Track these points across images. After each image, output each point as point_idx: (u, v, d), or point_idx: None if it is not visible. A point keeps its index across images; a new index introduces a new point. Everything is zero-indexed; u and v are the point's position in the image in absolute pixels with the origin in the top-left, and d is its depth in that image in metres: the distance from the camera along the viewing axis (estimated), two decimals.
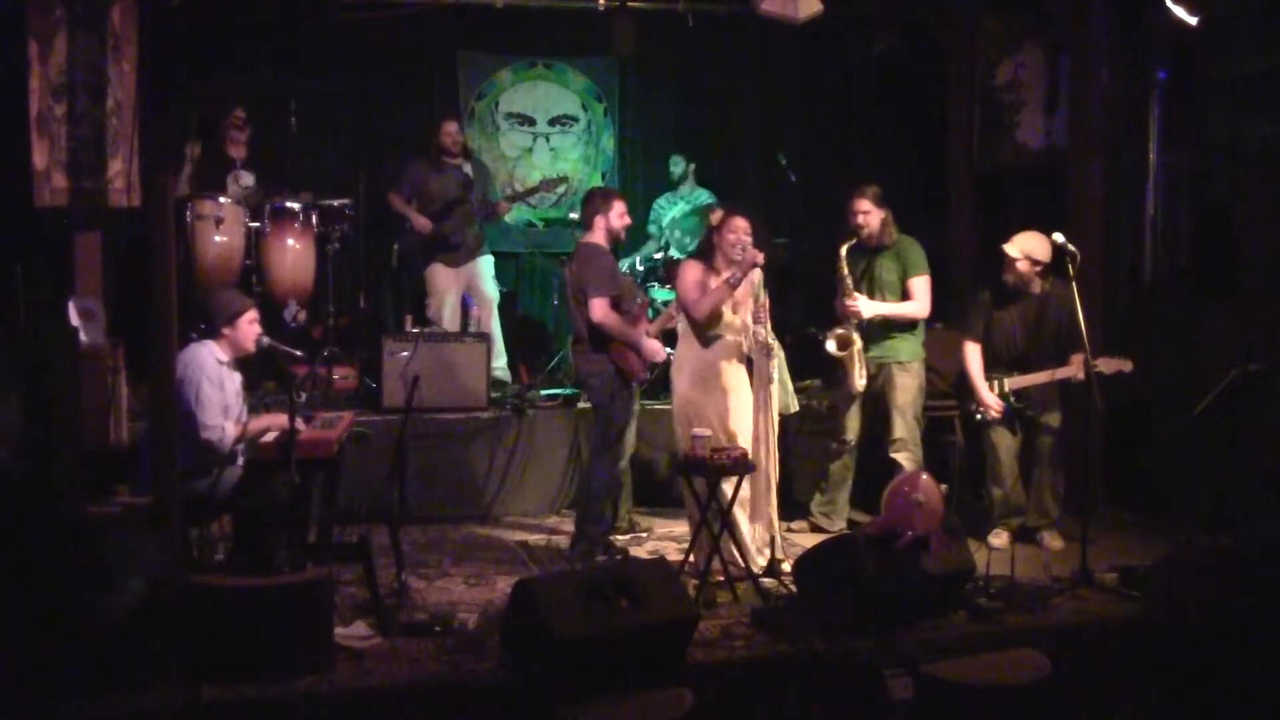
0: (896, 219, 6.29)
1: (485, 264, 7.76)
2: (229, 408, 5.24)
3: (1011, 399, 6.03)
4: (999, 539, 6.10)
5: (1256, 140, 6.97)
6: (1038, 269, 5.97)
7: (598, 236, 6.01)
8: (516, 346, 8.05)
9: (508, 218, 8.56)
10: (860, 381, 6.18)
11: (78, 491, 4.48)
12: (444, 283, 7.59)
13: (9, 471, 4.23)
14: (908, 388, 6.19)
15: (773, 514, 5.58)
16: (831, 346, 6.19)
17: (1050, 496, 6.15)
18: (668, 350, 6.19)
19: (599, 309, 5.77)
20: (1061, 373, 5.92)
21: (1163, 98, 7.42)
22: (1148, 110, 7.44)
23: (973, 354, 6.14)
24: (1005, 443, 6.13)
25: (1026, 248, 5.95)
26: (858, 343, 6.16)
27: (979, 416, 6.11)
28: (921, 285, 6.19)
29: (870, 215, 6.20)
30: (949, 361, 6.54)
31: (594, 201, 6.11)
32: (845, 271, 6.19)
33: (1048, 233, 5.86)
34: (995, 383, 6.06)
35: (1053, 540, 6.10)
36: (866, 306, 6.14)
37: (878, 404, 6.28)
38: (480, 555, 6.06)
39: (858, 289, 6.21)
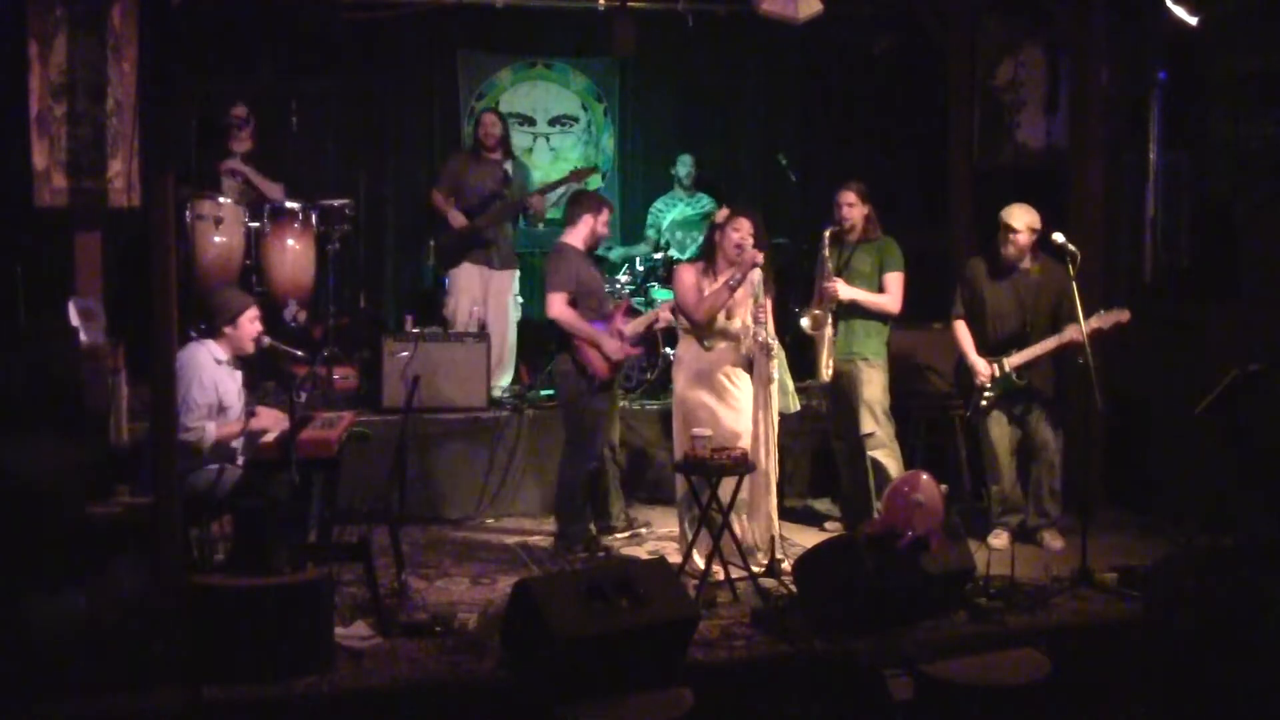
0: (895, 218, 6.33)
1: (511, 279, 7.66)
2: (227, 408, 5.24)
3: (1013, 376, 6.02)
4: (999, 539, 6.10)
5: (1256, 140, 6.96)
6: (1034, 239, 6.01)
7: (576, 237, 6.09)
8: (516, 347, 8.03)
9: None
10: (826, 371, 6.21)
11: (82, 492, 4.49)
12: (467, 285, 7.49)
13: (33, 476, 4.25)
14: (874, 382, 6.19)
15: (773, 514, 5.58)
16: (805, 324, 6.26)
17: (1048, 496, 6.15)
18: (668, 350, 6.18)
19: (553, 305, 5.96)
20: (1059, 339, 5.90)
21: (1163, 98, 7.41)
22: (1148, 110, 7.43)
23: (960, 328, 6.19)
24: (1001, 438, 6.13)
25: (1028, 219, 5.99)
26: (830, 330, 6.18)
27: (983, 403, 6.10)
28: (896, 281, 6.22)
29: (854, 209, 6.24)
30: (949, 362, 6.54)
31: (587, 202, 6.21)
32: (828, 254, 6.23)
33: (1048, 232, 5.87)
34: (995, 364, 6.06)
35: (1053, 540, 6.10)
36: (844, 290, 6.17)
37: (848, 402, 6.29)
38: (480, 555, 6.06)
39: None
